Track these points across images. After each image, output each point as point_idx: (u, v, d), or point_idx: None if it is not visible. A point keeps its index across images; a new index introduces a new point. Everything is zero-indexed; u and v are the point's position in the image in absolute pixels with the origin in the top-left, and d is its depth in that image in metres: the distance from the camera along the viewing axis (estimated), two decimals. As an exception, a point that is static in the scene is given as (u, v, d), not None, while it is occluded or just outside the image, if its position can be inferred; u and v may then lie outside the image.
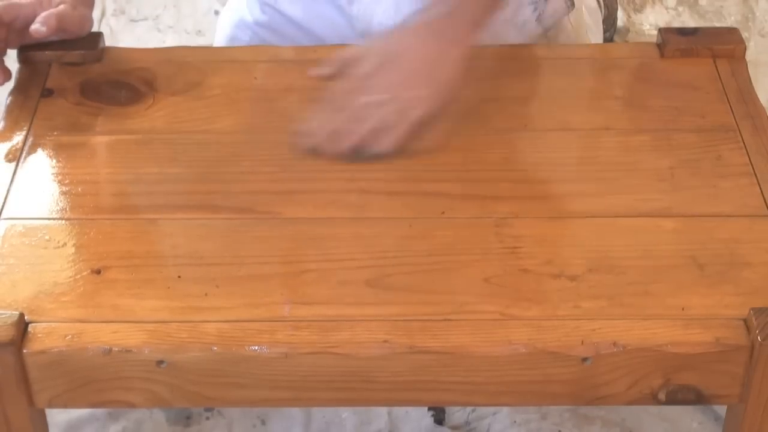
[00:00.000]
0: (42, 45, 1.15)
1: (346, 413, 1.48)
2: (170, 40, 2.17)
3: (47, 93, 1.13)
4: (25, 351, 0.88)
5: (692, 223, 0.99)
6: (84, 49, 1.17)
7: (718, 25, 2.17)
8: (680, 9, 2.24)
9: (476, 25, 1.10)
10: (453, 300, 0.92)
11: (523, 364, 0.89)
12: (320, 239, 0.98)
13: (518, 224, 0.99)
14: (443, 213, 1.00)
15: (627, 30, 2.19)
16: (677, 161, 1.06)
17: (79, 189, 1.03)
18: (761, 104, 1.12)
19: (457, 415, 1.49)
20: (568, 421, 1.47)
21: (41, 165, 1.06)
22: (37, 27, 1.11)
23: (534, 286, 0.94)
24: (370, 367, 0.89)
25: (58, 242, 0.97)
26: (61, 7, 1.14)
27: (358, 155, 1.05)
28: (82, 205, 1.01)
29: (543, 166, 1.06)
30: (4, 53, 1.14)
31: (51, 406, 0.93)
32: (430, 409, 1.49)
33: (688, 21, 2.20)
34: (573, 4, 1.31)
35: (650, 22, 2.21)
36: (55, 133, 1.09)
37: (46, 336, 0.89)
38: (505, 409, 1.48)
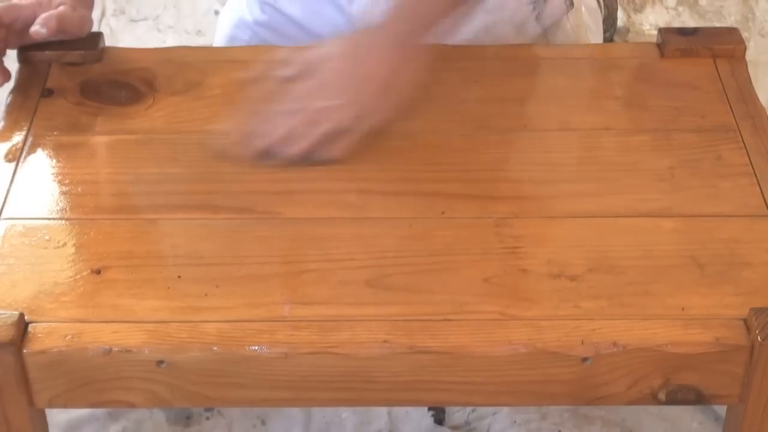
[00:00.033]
0: (42, 45, 1.15)
1: (346, 413, 1.48)
2: (170, 40, 2.17)
3: (47, 93, 1.13)
4: (25, 351, 0.88)
5: (692, 223, 0.99)
6: (84, 49, 1.17)
7: (718, 25, 2.17)
8: (680, 9, 2.24)
9: (427, 27, 1.10)
10: (453, 300, 0.92)
11: (523, 364, 0.89)
12: (320, 239, 0.98)
13: (518, 224, 0.99)
14: (443, 213, 1.00)
15: (627, 30, 2.19)
16: (677, 161, 1.06)
17: (79, 189, 1.03)
18: (761, 104, 1.12)
19: (457, 415, 1.49)
20: (568, 421, 1.47)
21: (41, 165, 1.06)
22: (37, 29, 1.11)
23: (534, 286, 0.94)
24: (370, 367, 0.89)
25: (58, 242, 0.97)
26: (61, 8, 1.14)
27: (307, 160, 1.04)
28: (82, 205, 1.01)
29: (543, 166, 1.06)
30: (4, 54, 1.14)
31: (51, 406, 0.93)
32: (430, 409, 1.49)
33: (688, 21, 2.20)
34: (572, 4, 1.31)
35: (650, 22, 2.21)
36: (55, 133, 1.09)
37: (46, 336, 0.89)
38: (505, 409, 1.48)
